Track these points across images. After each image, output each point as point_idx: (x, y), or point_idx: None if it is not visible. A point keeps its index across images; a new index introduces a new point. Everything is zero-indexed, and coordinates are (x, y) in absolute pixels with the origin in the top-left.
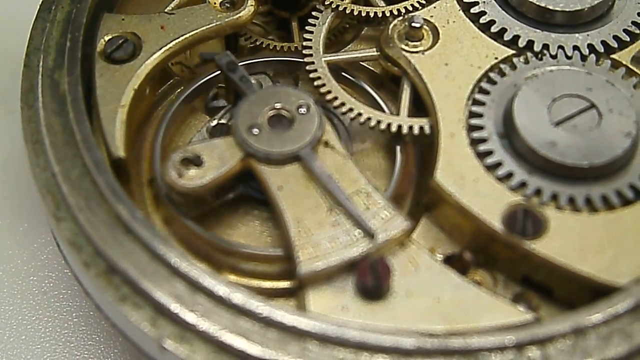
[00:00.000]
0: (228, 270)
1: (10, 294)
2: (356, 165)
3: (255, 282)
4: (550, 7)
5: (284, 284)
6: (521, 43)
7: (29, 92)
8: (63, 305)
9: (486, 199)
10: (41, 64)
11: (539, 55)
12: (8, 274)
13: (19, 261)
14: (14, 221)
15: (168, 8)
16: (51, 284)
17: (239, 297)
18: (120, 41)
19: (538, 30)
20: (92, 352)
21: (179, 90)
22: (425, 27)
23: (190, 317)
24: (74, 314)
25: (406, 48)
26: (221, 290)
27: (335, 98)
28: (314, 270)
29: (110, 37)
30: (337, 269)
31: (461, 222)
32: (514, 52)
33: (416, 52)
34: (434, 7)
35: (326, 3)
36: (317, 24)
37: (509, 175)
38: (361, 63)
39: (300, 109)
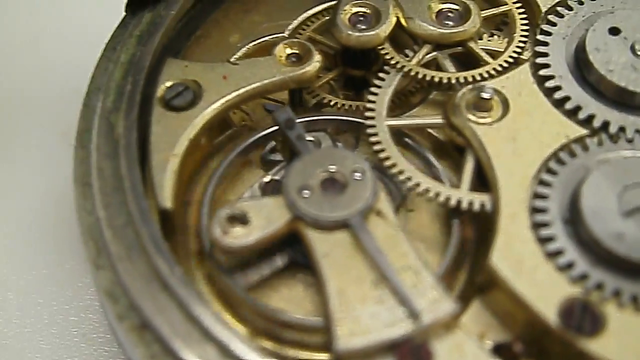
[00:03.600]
0: (265, 336)
1: (49, 333)
2: (409, 237)
3: (292, 352)
4: (631, 88)
5: (323, 356)
6: (596, 123)
7: (84, 132)
8: (100, 351)
9: (543, 288)
10: (100, 104)
11: (614, 138)
12: (49, 312)
13: (61, 299)
14: (59, 258)
15: (233, 57)
16: (90, 327)
17: None
18: (181, 88)
19: (615, 111)
20: None
21: (236, 141)
22: (495, 97)
23: None
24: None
25: (473, 118)
26: (252, 359)
27: (394, 165)
28: (352, 347)
29: (171, 83)
30: (377, 349)
31: (514, 310)
32: (587, 132)
33: (483, 123)
34: (507, 78)
35: (394, 64)
36: (382, 85)
37: (570, 265)
38: (427, 130)
39: (355, 174)
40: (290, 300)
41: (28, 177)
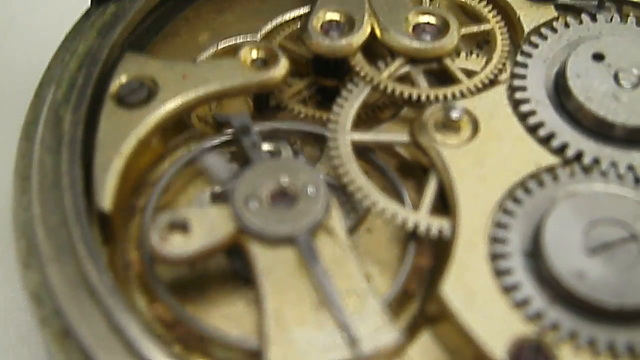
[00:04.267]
0: (199, 353)
1: None
2: (362, 259)
3: None
4: (610, 118)
5: None
6: (570, 153)
7: (31, 124)
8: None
9: (495, 324)
10: (51, 96)
11: (588, 170)
12: None
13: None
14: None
15: (200, 58)
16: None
17: None
18: (136, 85)
19: (592, 142)
20: None
21: (192, 144)
22: (465, 118)
23: None
24: None
25: (440, 138)
26: None
27: (352, 181)
28: None
29: (126, 79)
30: None
31: (463, 345)
32: (559, 161)
33: (450, 144)
34: (480, 98)
35: (364, 76)
36: (349, 97)
37: (526, 302)
38: (394, 148)
39: (308, 188)
40: (229, 318)
41: None
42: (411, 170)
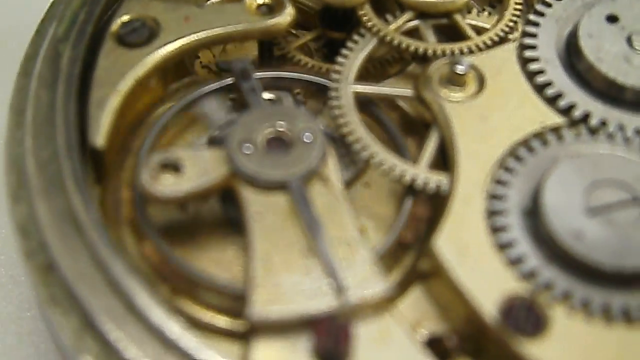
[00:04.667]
0: (186, 295)
1: None
2: (357, 212)
3: (210, 315)
4: (620, 80)
5: (239, 324)
6: (576, 113)
7: (29, 60)
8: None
9: (487, 280)
10: (51, 32)
11: (594, 132)
12: None
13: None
14: None
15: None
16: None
17: (173, 330)
18: (137, 24)
19: (599, 104)
20: None
21: (192, 89)
22: (471, 73)
23: (115, 337)
24: None
25: (444, 93)
26: (156, 317)
27: (351, 132)
28: (266, 316)
29: (128, 18)
30: (293, 321)
31: (454, 301)
32: (565, 121)
33: (454, 99)
34: (488, 54)
35: (370, 28)
36: (354, 48)
37: (521, 259)
38: (398, 103)
39: (304, 135)
40: (218, 263)
41: None
42: (414, 127)
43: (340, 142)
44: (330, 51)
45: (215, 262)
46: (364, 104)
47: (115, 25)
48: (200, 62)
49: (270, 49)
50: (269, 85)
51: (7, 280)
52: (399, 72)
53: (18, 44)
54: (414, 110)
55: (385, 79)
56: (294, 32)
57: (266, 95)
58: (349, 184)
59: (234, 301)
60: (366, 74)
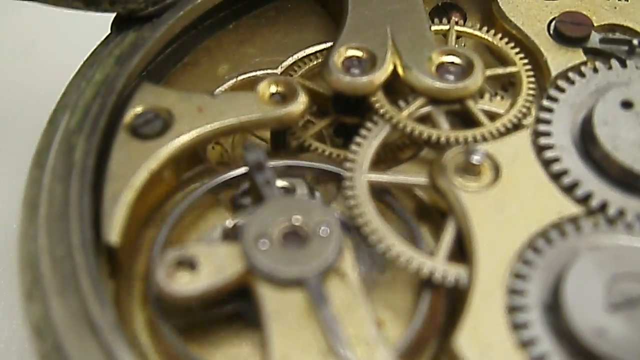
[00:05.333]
0: None
1: None
2: (374, 304)
3: None
4: (637, 169)
5: None
6: (594, 203)
7: (42, 152)
8: None
9: None
10: (64, 124)
11: (612, 222)
12: None
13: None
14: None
15: (218, 90)
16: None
17: None
18: (151, 116)
19: (617, 193)
20: None
21: (206, 179)
22: (486, 162)
23: None
24: None
25: (459, 182)
26: None
27: (366, 223)
28: None
29: (141, 109)
30: None
31: None
32: (583, 211)
33: (469, 189)
34: (503, 142)
35: (383, 115)
36: (368, 136)
37: (544, 358)
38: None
39: (320, 228)
40: (233, 359)
41: None
42: (429, 214)
43: (355, 231)
44: (344, 135)
45: (230, 358)
46: (378, 191)
47: (129, 116)
48: (212, 144)
49: (283, 135)
50: (282, 173)
51: None
52: (412, 157)
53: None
54: (428, 196)
55: (398, 164)
56: (307, 118)
57: (279, 182)
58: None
59: None
60: (378, 159)
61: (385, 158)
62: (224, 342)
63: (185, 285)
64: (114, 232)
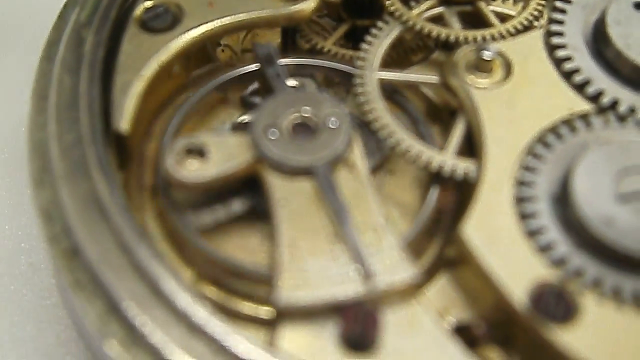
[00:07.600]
0: (210, 282)
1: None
2: (382, 200)
3: (234, 302)
4: None
5: (265, 310)
6: (605, 100)
7: (52, 45)
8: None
9: (516, 267)
10: (74, 17)
11: (622, 119)
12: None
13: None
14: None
15: None
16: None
17: (199, 315)
18: (161, 9)
19: (628, 90)
20: None
21: (215, 76)
22: (497, 59)
23: (140, 322)
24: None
25: (471, 80)
26: (182, 301)
27: (377, 119)
28: (294, 302)
29: (151, 3)
30: (321, 307)
31: (483, 288)
32: (593, 108)
33: (481, 86)
34: (515, 41)
35: (394, 14)
36: (379, 35)
37: (550, 246)
38: (422, 90)
39: (330, 120)
40: (243, 249)
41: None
42: (439, 115)
43: (365, 128)
44: (354, 39)
45: (241, 248)
46: (389, 91)
47: (139, 10)
48: (222, 46)
49: (293, 34)
50: (292, 72)
51: (26, 268)
52: (423, 60)
53: (37, 28)
54: (438, 97)
55: (409, 67)
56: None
57: (289, 82)
58: (373, 171)
59: (259, 285)
60: (389, 62)
61: (396, 59)
62: (233, 233)
63: (194, 171)
64: (124, 120)
